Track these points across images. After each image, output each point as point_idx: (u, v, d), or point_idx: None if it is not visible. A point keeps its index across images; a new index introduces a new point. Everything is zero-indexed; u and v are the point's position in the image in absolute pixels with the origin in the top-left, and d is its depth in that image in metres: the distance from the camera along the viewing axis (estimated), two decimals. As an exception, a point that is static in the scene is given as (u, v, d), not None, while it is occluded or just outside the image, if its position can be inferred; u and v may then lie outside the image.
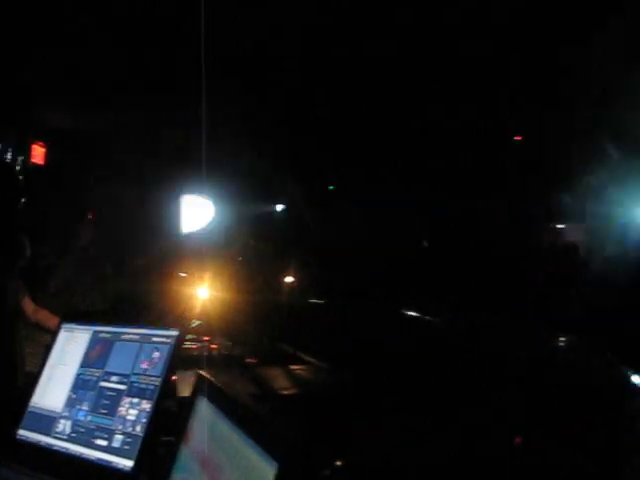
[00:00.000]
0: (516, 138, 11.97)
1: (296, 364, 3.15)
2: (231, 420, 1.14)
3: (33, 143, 8.13)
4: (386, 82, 7.88)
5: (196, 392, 1.31)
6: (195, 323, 3.48)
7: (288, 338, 3.45)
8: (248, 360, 3.58)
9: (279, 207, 12.48)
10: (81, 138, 7.01)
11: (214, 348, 3.38)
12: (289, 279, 4.53)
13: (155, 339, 1.88)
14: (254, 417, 1.07)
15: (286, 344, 3.40)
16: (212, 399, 1.27)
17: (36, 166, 7.93)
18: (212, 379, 1.29)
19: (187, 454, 1.29)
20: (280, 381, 2.61)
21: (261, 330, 3.70)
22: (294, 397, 2.36)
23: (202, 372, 1.38)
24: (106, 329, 2.05)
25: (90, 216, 4.32)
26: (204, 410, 1.29)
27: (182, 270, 4.30)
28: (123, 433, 1.81)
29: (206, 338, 3.27)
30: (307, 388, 2.61)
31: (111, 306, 3.74)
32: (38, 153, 8.38)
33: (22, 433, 2.09)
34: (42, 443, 2.01)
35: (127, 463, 1.76)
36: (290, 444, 0.95)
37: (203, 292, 3.46)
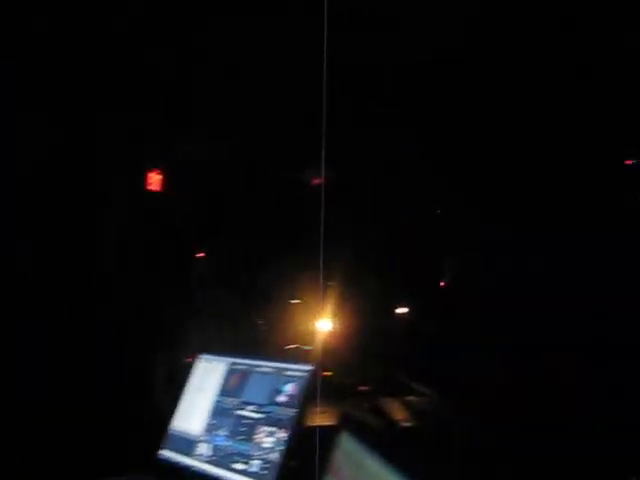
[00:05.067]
0: None
1: (411, 395, 3.23)
2: (379, 456, 1.23)
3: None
4: None
5: (341, 427, 1.42)
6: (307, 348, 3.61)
7: (402, 368, 3.52)
8: (361, 388, 3.68)
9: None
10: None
11: (328, 375, 3.49)
12: (401, 310, 4.55)
13: (290, 372, 2.02)
14: (405, 456, 1.15)
15: (401, 374, 3.48)
16: (356, 433, 1.37)
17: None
18: (355, 415, 1.39)
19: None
20: (398, 412, 2.69)
21: (371, 359, 3.79)
22: (414, 430, 2.44)
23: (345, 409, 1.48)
24: (242, 361, 2.22)
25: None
26: (346, 443, 1.39)
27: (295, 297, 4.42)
28: (260, 459, 1.95)
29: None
30: (425, 421, 2.68)
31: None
32: (154, 181, 8.76)
33: (164, 453, 2.28)
34: (183, 463, 2.18)
35: (264, 487, 1.89)
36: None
37: (324, 324, 3.57)
